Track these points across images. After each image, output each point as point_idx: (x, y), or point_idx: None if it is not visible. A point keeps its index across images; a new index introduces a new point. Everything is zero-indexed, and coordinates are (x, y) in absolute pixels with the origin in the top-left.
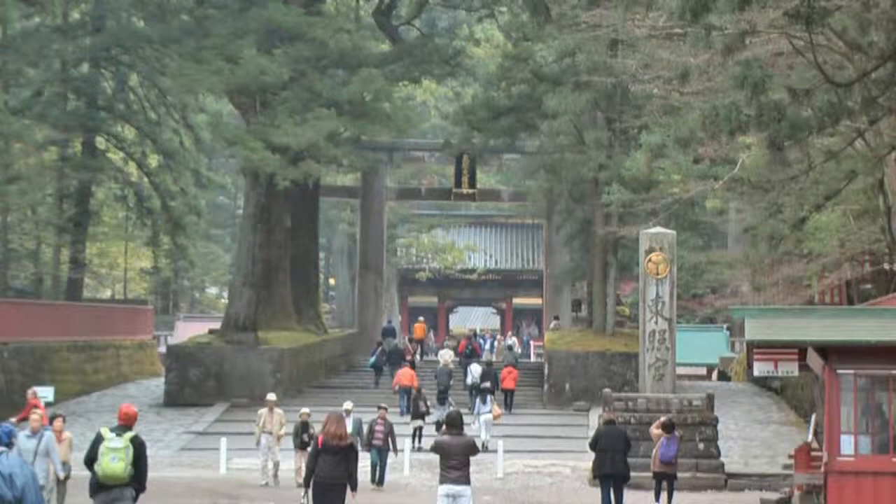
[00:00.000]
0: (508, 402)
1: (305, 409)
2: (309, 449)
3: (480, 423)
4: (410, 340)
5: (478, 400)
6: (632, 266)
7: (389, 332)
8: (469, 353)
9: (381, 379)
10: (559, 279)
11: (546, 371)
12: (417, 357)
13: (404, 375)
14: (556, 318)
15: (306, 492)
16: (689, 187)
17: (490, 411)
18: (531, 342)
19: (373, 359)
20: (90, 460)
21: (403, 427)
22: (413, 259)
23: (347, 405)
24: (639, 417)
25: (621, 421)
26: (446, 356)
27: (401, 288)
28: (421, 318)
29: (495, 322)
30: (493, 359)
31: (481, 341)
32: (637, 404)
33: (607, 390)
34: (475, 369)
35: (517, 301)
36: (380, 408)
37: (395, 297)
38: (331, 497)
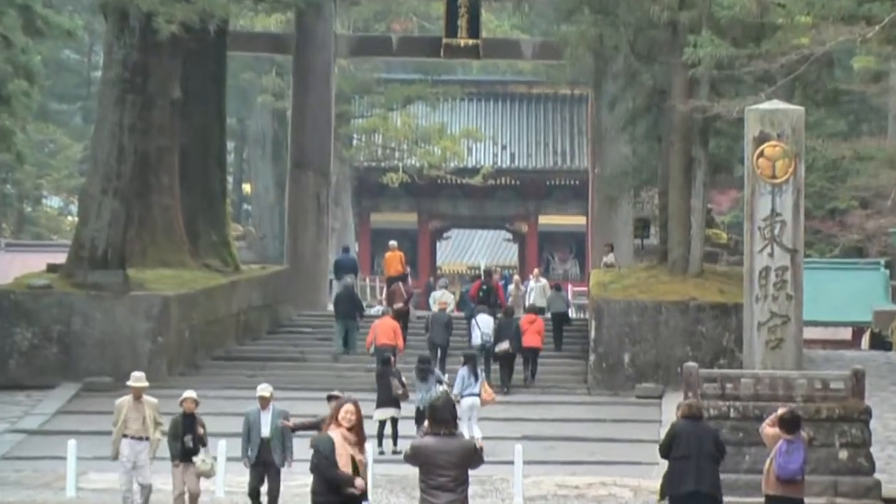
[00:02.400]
0: (530, 369)
1: (190, 393)
2: (201, 461)
3: (461, 410)
4: (391, 280)
5: (464, 371)
6: (731, 164)
7: (346, 267)
8: (485, 297)
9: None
10: (613, 185)
11: (592, 334)
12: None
13: (384, 329)
14: (610, 247)
15: None
16: (826, 36)
17: (478, 392)
18: (568, 287)
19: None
20: None
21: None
22: (378, 153)
23: (263, 389)
24: (742, 408)
25: (713, 414)
26: (444, 298)
27: (358, 199)
28: (393, 243)
29: (510, 254)
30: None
31: (503, 283)
32: (739, 387)
33: (692, 365)
34: (484, 321)
35: (546, 221)
36: (331, 397)
37: (350, 213)
38: None
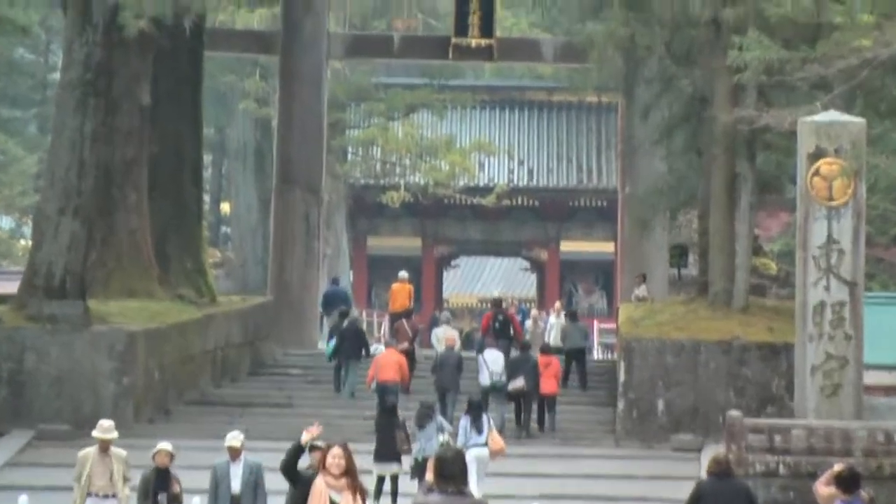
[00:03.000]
0: (545, 418)
1: (164, 445)
2: None
3: (469, 461)
4: (395, 317)
5: (465, 422)
6: (782, 183)
7: (337, 299)
8: (501, 330)
9: (345, 379)
10: (646, 206)
11: (621, 377)
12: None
13: (387, 363)
14: (642, 278)
15: None
16: (891, 37)
17: (485, 442)
18: (593, 323)
19: (331, 344)
20: None
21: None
22: (377, 168)
23: (232, 439)
24: (793, 464)
25: (759, 470)
26: (449, 334)
27: (354, 221)
28: (404, 274)
29: (527, 285)
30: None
31: (520, 316)
32: (790, 439)
33: (735, 413)
34: (493, 357)
35: (568, 247)
36: (314, 448)
37: (344, 237)
38: None
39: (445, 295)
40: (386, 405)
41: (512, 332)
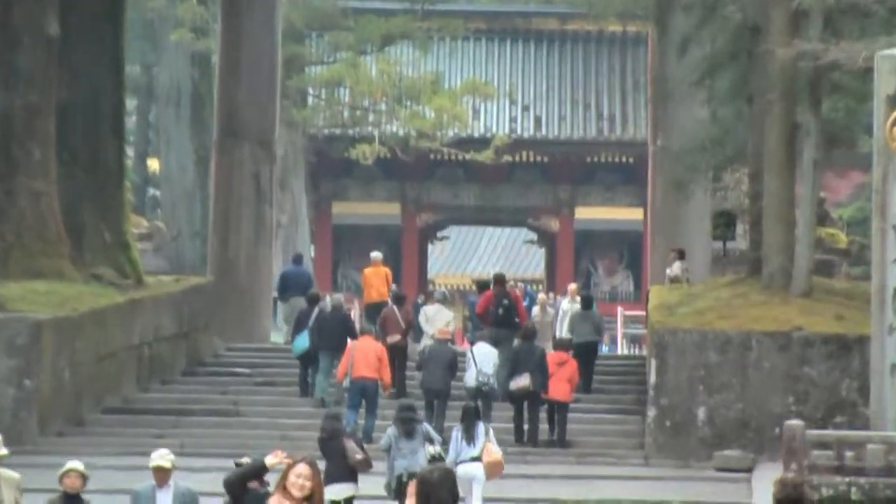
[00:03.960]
0: (555, 430)
1: (74, 464)
2: None
3: (466, 482)
4: (372, 309)
5: (457, 432)
6: (854, 135)
7: (298, 282)
8: (503, 317)
9: (314, 380)
10: (683, 164)
11: (652, 378)
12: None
13: (364, 354)
14: (678, 254)
15: None
16: None
17: (478, 455)
18: (616, 310)
19: (300, 340)
20: None
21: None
22: (344, 116)
23: (160, 458)
24: (868, 487)
25: (825, 495)
26: (440, 318)
27: (316, 182)
28: (377, 255)
29: (534, 263)
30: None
31: (526, 301)
32: (865, 456)
33: (795, 424)
34: (483, 354)
35: (586, 214)
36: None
37: (303, 201)
38: None
39: (430, 275)
40: (329, 414)
41: (516, 318)
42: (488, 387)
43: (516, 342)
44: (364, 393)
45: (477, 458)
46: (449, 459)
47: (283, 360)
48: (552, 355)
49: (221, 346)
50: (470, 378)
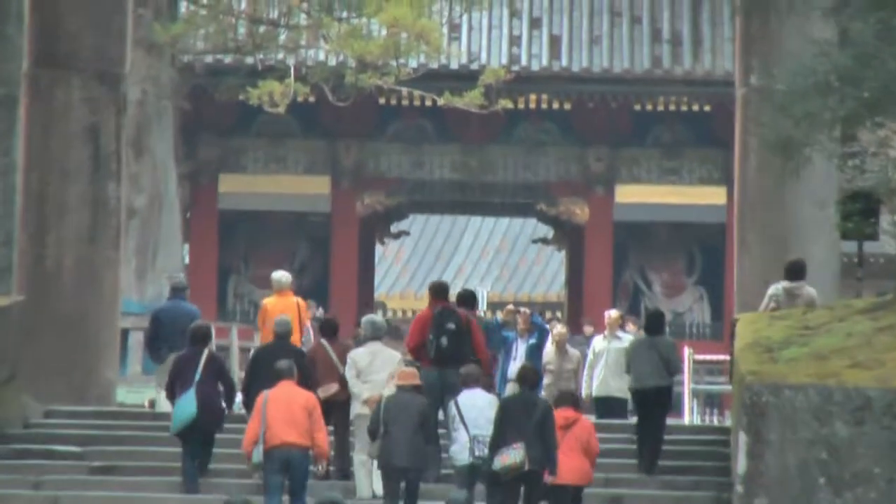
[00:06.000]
0: None
1: None
2: None
3: None
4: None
5: None
6: None
7: (178, 327)
8: (447, 349)
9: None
10: (794, 117)
11: (741, 462)
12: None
13: (287, 408)
14: (791, 271)
15: None
16: None
17: None
18: (683, 349)
19: (183, 403)
20: None
21: None
22: (237, 36)
23: None
24: None
25: None
26: (381, 372)
27: (191, 142)
28: (282, 278)
29: (548, 271)
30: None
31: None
32: None
33: None
34: (474, 407)
35: (630, 195)
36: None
37: (171, 173)
38: None
39: (379, 294)
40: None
41: (470, 352)
42: (489, 465)
43: (506, 395)
44: (287, 467)
45: None
46: None
47: (139, 433)
48: (562, 411)
49: (36, 410)
50: (459, 450)
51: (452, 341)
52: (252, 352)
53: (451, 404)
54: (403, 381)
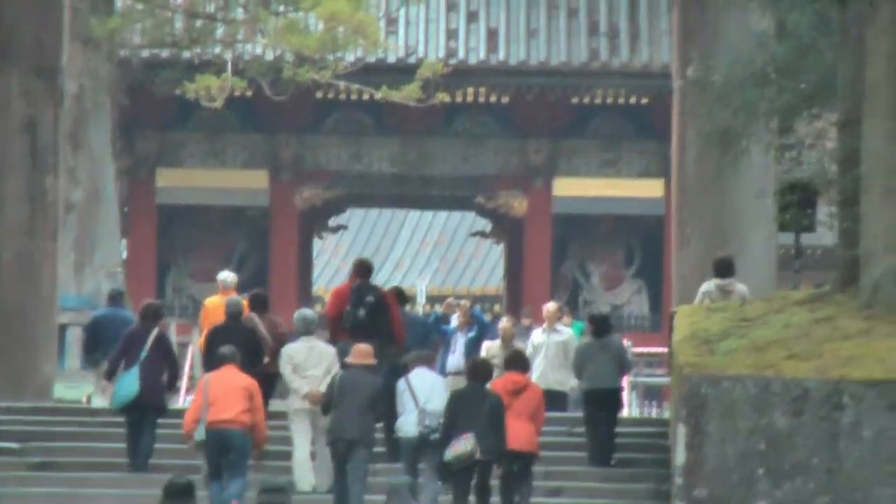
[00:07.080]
0: (514, 495)
1: None
2: None
3: None
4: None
5: None
6: None
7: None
8: (364, 322)
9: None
10: (728, 106)
11: (680, 452)
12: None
13: (225, 387)
14: (719, 266)
15: None
16: None
17: None
18: (621, 340)
19: (126, 381)
20: None
21: None
22: (175, 30)
23: None
24: None
25: None
26: (318, 368)
27: (127, 136)
28: (227, 278)
29: (487, 264)
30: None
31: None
32: None
33: None
34: (424, 384)
35: (569, 188)
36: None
37: (109, 167)
38: None
39: (317, 288)
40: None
41: (387, 326)
42: (437, 436)
43: (458, 389)
44: (226, 445)
45: None
46: None
47: (78, 429)
48: (503, 379)
49: None
50: (408, 423)
51: (370, 314)
52: (206, 333)
53: (402, 380)
54: (358, 359)
